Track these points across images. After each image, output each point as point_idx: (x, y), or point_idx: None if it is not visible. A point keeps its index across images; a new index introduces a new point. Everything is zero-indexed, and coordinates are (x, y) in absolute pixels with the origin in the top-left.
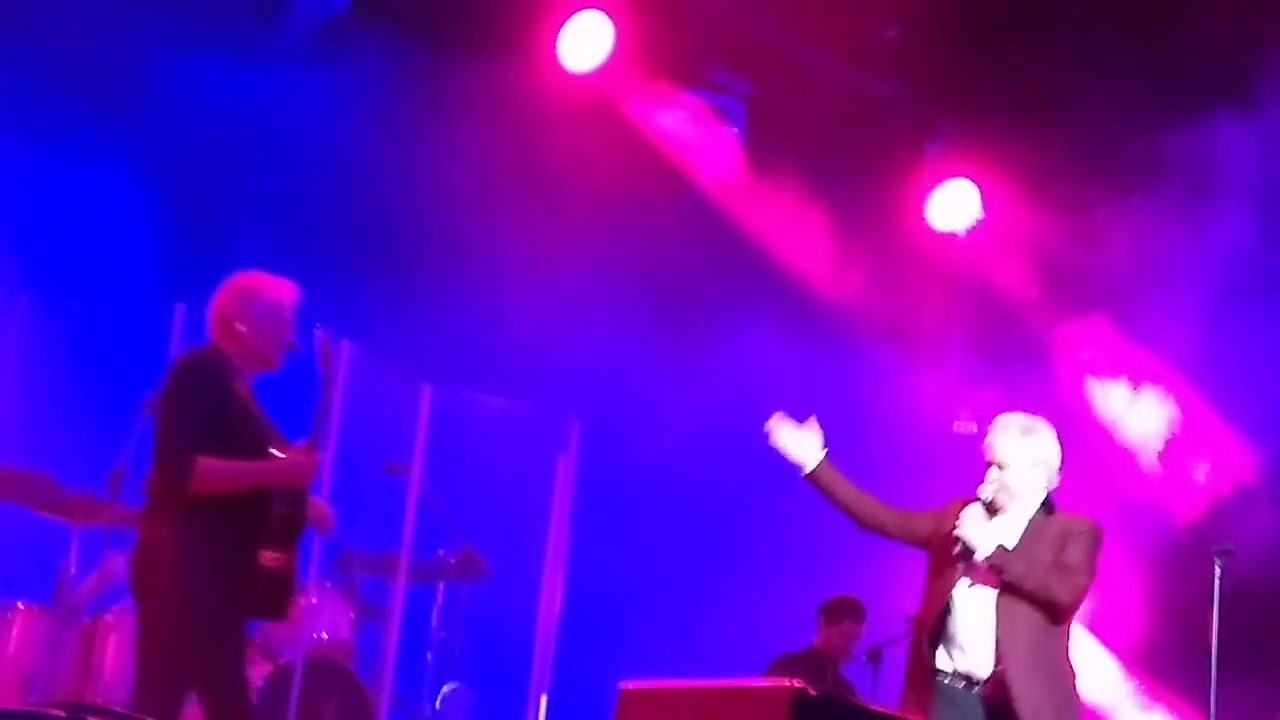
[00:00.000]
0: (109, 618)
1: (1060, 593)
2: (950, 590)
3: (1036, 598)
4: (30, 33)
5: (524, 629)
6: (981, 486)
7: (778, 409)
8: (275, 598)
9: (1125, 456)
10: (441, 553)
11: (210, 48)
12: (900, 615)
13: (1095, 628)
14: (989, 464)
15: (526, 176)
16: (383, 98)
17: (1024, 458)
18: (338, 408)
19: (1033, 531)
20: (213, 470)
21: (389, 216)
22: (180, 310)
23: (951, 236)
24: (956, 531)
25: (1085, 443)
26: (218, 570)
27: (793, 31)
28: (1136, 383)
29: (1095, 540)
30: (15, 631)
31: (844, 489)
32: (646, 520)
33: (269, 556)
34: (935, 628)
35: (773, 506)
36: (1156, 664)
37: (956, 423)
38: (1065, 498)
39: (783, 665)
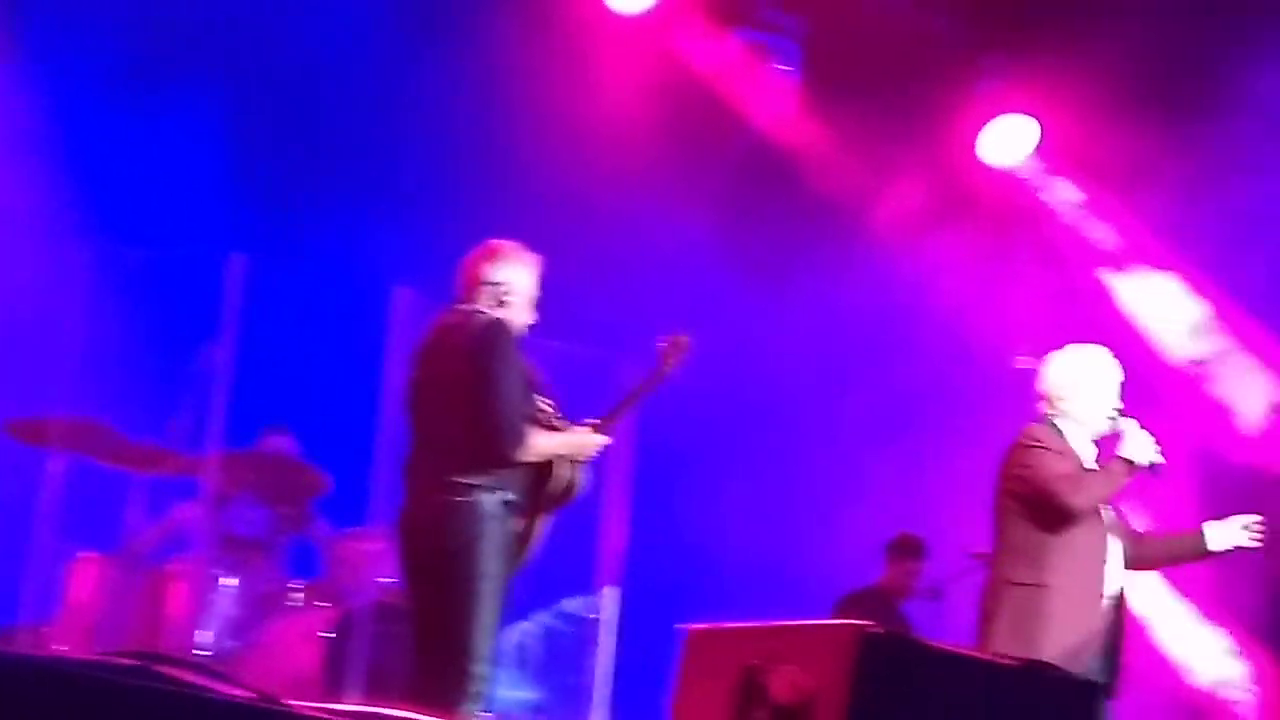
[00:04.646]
0: (173, 566)
1: None
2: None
3: None
4: None
5: (584, 568)
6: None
7: (838, 349)
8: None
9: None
10: None
11: None
12: (960, 551)
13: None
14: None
15: (579, 118)
16: (443, 41)
17: None
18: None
19: None
20: (540, 439)
21: (453, 163)
22: (238, 260)
23: (1006, 171)
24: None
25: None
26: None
27: None
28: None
29: None
30: (81, 581)
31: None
32: (710, 462)
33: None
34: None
35: (834, 445)
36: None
37: (1018, 358)
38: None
39: (848, 604)
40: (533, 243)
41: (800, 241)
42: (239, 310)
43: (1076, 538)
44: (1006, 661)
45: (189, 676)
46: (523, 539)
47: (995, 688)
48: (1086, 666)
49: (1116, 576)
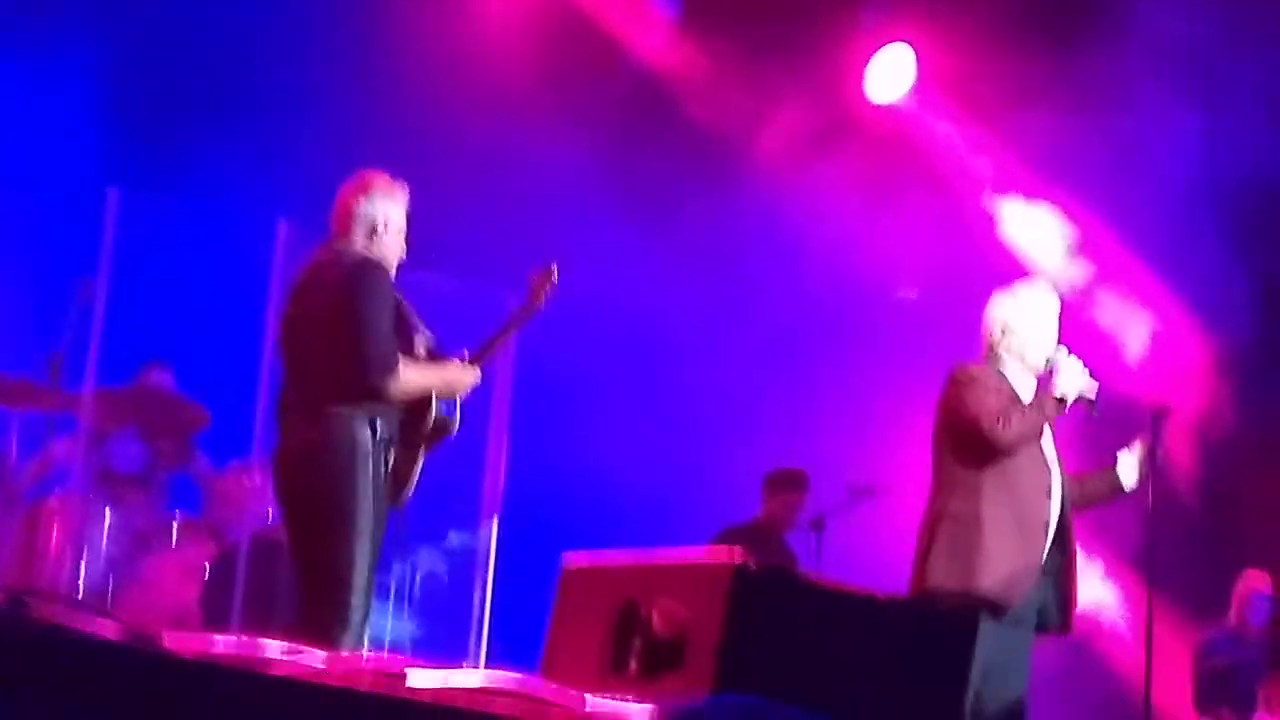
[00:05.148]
0: (52, 502)
1: None
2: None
3: None
4: None
5: (470, 503)
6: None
7: (721, 281)
8: (396, 494)
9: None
10: None
11: None
12: (843, 485)
13: None
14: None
15: (460, 48)
16: None
17: None
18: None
19: None
20: (412, 372)
21: (332, 100)
22: (114, 194)
23: (889, 105)
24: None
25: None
26: (375, 469)
27: None
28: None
29: None
30: None
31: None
32: (590, 393)
33: (400, 455)
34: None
35: (716, 377)
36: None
37: (899, 290)
38: None
39: (728, 537)
40: (414, 175)
41: (684, 172)
42: (115, 245)
43: (1012, 469)
44: (881, 595)
45: (63, 613)
46: (400, 475)
47: (872, 621)
48: (1025, 598)
49: (1057, 508)
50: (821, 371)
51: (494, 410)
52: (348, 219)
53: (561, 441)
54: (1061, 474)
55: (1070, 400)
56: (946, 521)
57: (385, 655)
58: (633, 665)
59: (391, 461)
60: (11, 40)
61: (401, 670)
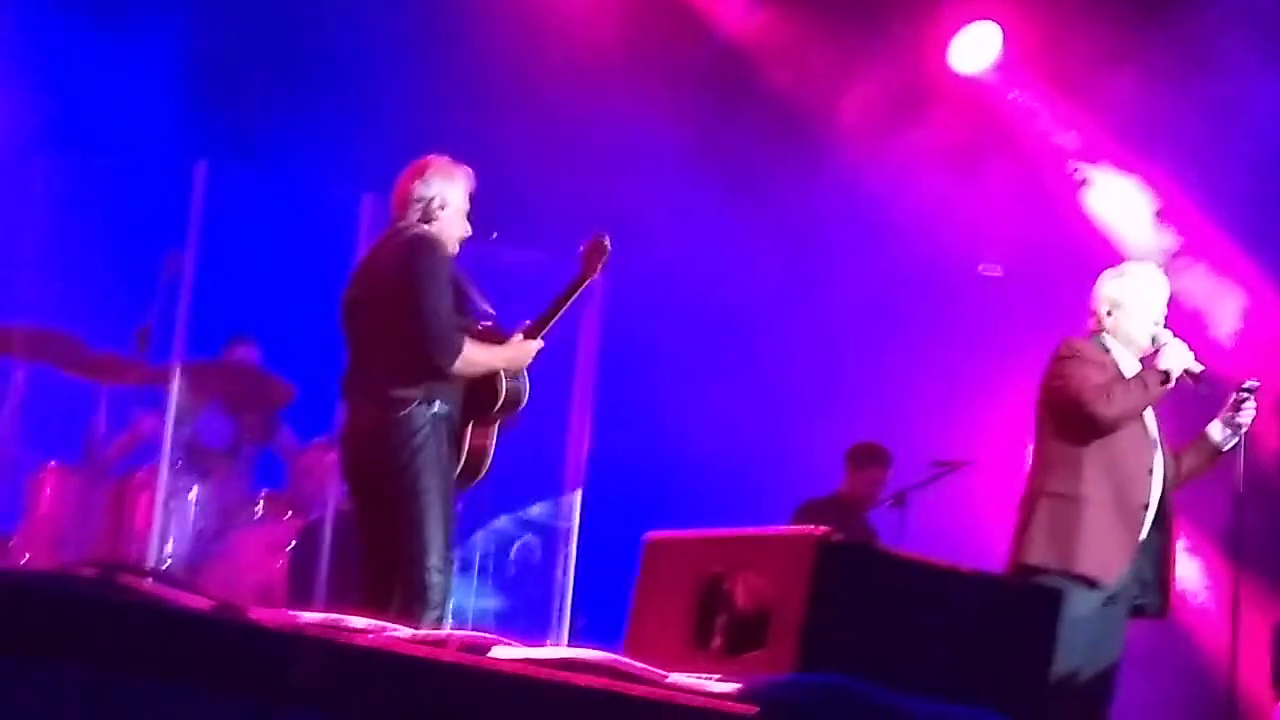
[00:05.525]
0: (140, 476)
1: None
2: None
3: None
4: None
5: (552, 479)
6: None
7: (803, 253)
8: (475, 470)
9: None
10: None
11: None
12: (926, 460)
13: None
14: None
15: (545, 22)
16: None
17: None
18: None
19: None
20: (472, 354)
21: (415, 73)
22: (202, 167)
23: (974, 79)
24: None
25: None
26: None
27: None
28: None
29: None
30: (47, 491)
31: None
32: (672, 372)
33: (476, 431)
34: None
35: (798, 350)
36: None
37: (982, 266)
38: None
39: (809, 512)
40: (496, 147)
41: (767, 142)
42: (203, 218)
43: (1114, 449)
44: (965, 569)
45: (152, 587)
46: (476, 453)
47: (956, 594)
48: (1121, 577)
49: (1158, 489)
50: (904, 345)
51: (577, 384)
52: (404, 202)
53: (644, 415)
54: (1165, 454)
55: (1175, 377)
56: (1046, 499)
57: (469, 630)
58: (716, 641)
59: (464, 439)
60: (99, 10)
61: (485, 645)
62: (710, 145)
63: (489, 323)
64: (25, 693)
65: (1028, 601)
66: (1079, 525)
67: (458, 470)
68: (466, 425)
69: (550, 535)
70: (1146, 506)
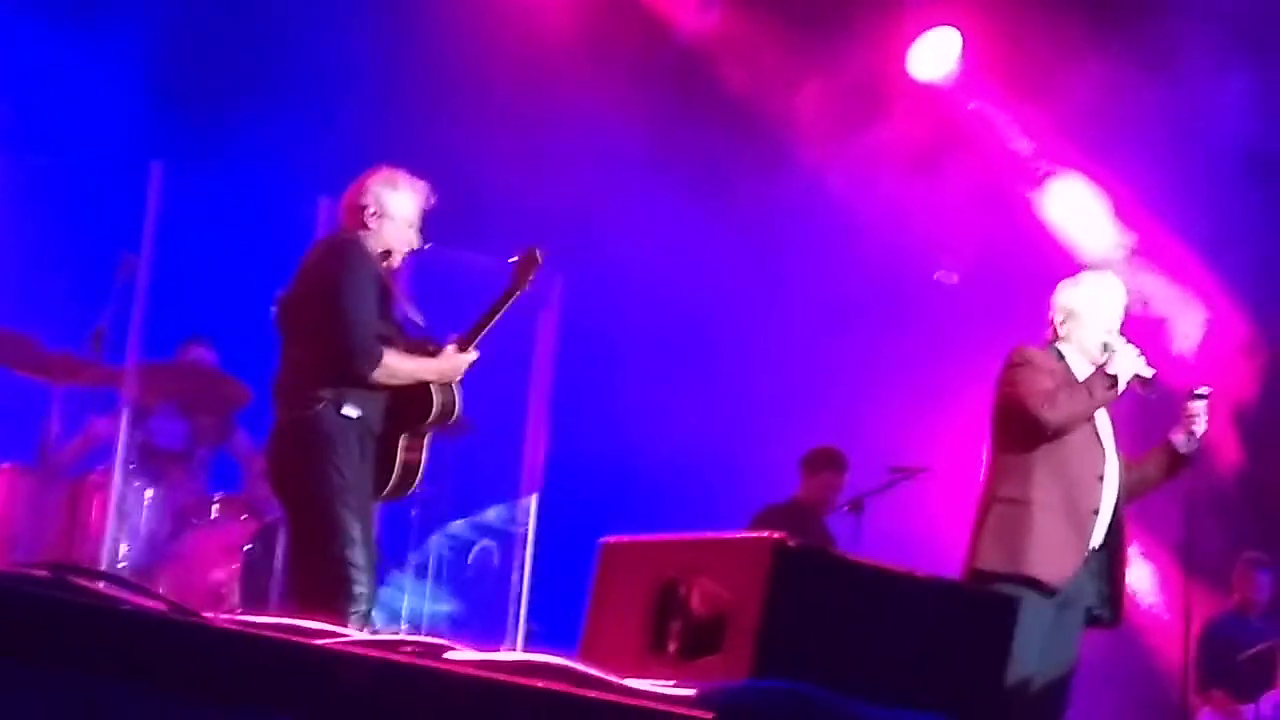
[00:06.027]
0: (94, 477)
1: None
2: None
3: None
4: None
5: (508, 483)
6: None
7: (759, 259)
8: (407, 483)
9: None
10: None
11: None
12: (882, 465)
13: None
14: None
15: (504, 26)
16: None
17: None
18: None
19: None
20: (395, 363)
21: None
22: (157, 168)
23: (933, 85)
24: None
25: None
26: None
27: None
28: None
29: None
30: (0, 492)
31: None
32: (629, 375)
33: (409, 444)
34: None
35: (755, 356)
36: None
37: (938, 273)
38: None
39: (766, 518)
40: (456, 149)
41: (726, 145)
42: (159, 219)
43: (1064, 454)
44: (921, 575)
45: (105, 589)
46: (409, 464)
47: (912, 600)
48: (1072, 581)
49: (1111, 495)
50: (862, 351)
51: (534, 387)
52: (346, 210)
53: (602, 419)
54: (1118, 461)
55: (1123, 382)
56: (997, 505)
57: (423, 635)
58: (672, 646)
59: (396, 451)
60: (58, 12)
61: (440, 650)
62: (670, 147)
63: (420, 333)
64: None
65: (983, 608)
66: (1028, 530)
67: (391, 483)
68: (398, 437)
69: (506, 540)
70: (1097, 512)
